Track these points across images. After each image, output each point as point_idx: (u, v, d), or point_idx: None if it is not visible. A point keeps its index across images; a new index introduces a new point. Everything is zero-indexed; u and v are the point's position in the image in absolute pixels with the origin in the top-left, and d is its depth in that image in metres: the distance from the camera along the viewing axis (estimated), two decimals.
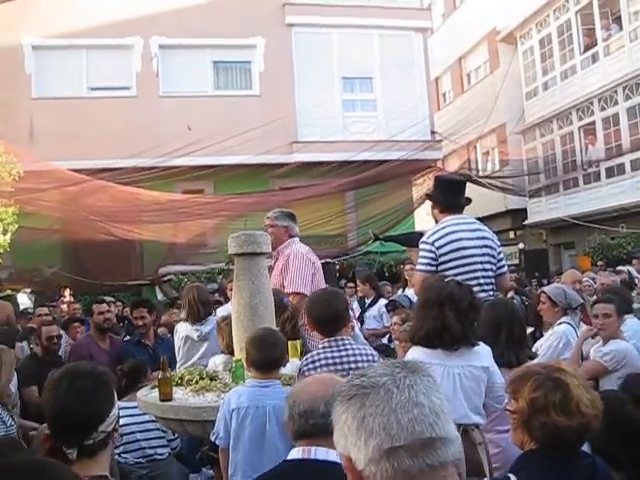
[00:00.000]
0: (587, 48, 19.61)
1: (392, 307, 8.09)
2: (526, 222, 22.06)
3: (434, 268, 4.80)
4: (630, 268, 10.75)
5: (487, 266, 4.96)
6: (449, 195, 5.19)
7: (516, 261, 19.63)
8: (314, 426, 2.55)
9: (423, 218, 22.85)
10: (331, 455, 2.45)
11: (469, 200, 5.25)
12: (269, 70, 17.34)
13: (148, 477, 5.16)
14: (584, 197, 19.44)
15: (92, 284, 13.83)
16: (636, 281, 9.28)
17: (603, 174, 18.87)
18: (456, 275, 4.49)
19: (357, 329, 6.42)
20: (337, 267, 15.34)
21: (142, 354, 6.56)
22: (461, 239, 4.89)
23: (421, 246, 4.90)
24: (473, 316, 3.65)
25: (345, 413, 1.40)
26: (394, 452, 1.32)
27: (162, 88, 16.91)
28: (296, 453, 2.62)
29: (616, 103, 18.30)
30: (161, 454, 5.39)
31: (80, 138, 15.12)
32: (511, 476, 2.44)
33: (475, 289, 4.54)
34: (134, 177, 14.11)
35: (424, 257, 4.85)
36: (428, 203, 18.16)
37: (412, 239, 5.32)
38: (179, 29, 16.52)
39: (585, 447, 2.68)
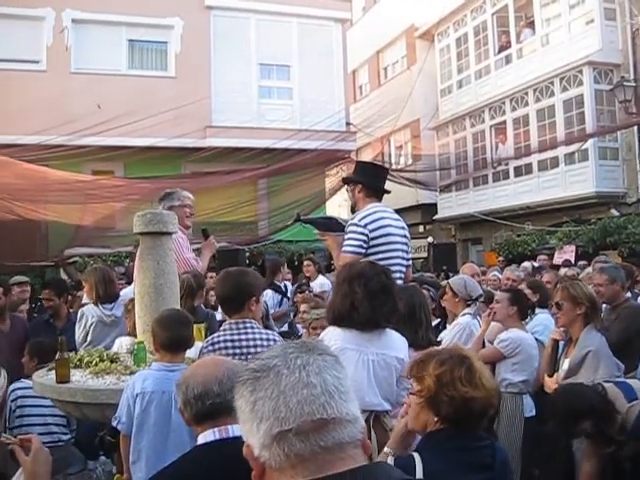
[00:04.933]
0: (502, 49, 20.10)
1: (300, 290, 8.07)
2: (436, 217, 22.44)
3: (364, 251, 4.71)
4: (532, 264, 11.10)
5: (405, 255, 4.99)
6: (375, 180, 5.16)
7: (425, 254, 19.95)
8: (212, 406, 2.54)
9: (334, 210, 23.05)
10: None
11: (388, 191, 5.26)
12: (185, 52, 17.01)
13: None
14: (492, 194, 19.92)
15: None
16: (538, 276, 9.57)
17: (512, 173, 19.37)
18: (381, 260, 4.50)
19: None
20: (247, 254, 15.25)
21: (49, 335, 6.30)
22: (390, 225, 4.88)
23: (351, 228, 4.80)
24: (384, 298, 3.56)
25: (240, 399, 1.37)
26: (283, 436, 1.29)
27: (73, 64, 16.30)
28: (211, 435, 2.54)
29: (527, 104, 18.82)
30: (64, 440, 5.24)
31: None
32: (415, 455, 2.45)
33: (396, 276, 4.57)
34: (40, 155, 13.59)
35: (355, 239, 4.73)
36: (340, 194, 18.25)
37: (330, 224, 5.23)
38: (94, 3, 16.00)
39: None
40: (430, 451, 2.51)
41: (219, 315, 6.70)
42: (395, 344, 3.64)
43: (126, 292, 7.94)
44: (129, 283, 9.51)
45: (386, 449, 2.78)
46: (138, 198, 14.52)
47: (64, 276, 14.74)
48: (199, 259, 5.91)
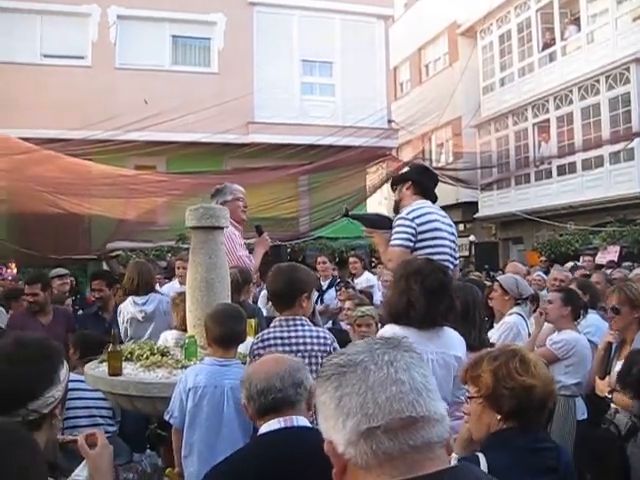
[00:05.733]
0: (545, 47, 19.86)
1: (344, 285, 8.04)
2: (476, 215, 22.26)
3: (412, 244, 4.64)
4: (579, 264, 10.93)
5: (453, 253, 4.92)
6: (428, 182, 5.11)
7: (466, 253, 19.81)
8: (274, 400, 2.61)
9: (374, 207, 22.98)
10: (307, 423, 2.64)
11: (436, 196, 5.20)
12: (228, 48, 17.08)
13: None
14: (534, 193, 19.69)
15: (38, 257, 13.44)
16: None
17: (554, 171, 19.14)
18: (429, 255, 4.44)
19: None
20: (288, 250, 15.27)
21: (98, 327, 6.35)
22: (437, 220, 4.80)
23: (399, 222, 4.72)
24: (441, 295, 3.51)
25: (324, 394, 1.35)
26: (372, 433, 1.26)
27: (118, 59, 16.49)
28: (276, 424, 2.62)
29: (571, 102, 18.56)
30: (110, 432, 5.26)
31: (31, 106, 14.66)
32: (480, 455, 2.41)
33: None
34: (85, 149, 13.76)
35: (403, 232, 4.65)
36: (380, 192, 18.16)
37: (378, 220, 5.18)
38: (138, 0, 16.14)
39: None
40: (495, 451, 2.46)
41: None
42: (453, 342, 3.59)
43: (169, 287, 8.03)
44: (169, 278, 9.60)
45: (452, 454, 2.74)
46: (180, 193, 14.63)
47: (107, 270, 14.91)
48: (252, 257, 5.87)
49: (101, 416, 5.30)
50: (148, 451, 6.09)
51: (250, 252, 6.02)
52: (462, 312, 3.96)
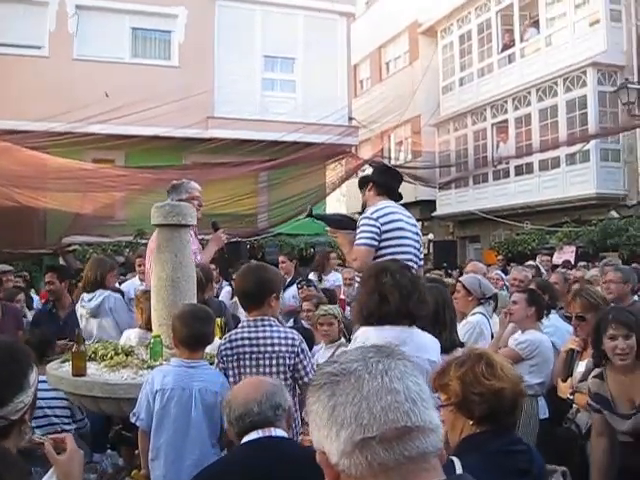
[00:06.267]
0: (505, 48, 20.08)
1: (306, 284, 8.00)
2: (434, 213, 22.43)
3: (377, 244, 4.68)
4: (538, 264, 11.07)
5: (417, 253, 4.96)
6: (391, 182, 5.15)
7: (425, 251, 19.93)
8: (252, 423, 2.71)
9: (333, 204, 23.01)
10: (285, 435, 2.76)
11: (400, 195, 5.24)
12: (189, 42, 16.88)
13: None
14: (492, 192, 19.91)
15: None
16: (544, 276, 9.53)
17: (512, 172, 19.37)
18: (393, 255, 4.48)
19: None
20: (248, 247, 15.20)
21: (51, 325, 6.24)
22: (401, 220, 4.85)
23: (363, 221, 4.77)
24: (412, 289, 3.51)
25: (316, 403, 1.32)
26: (367, 443, 1.23)
27: (76, 51, 16.17)
28: (254, 434, 2.69)
29: (529, 104, 18.81)
30: (66, 431, 5.15)
31: None
32: (454, 459, 2.41)
33: None
34: (42, 142, 13.48)
35: (368, 231, 4.70)
36: (340, 189, 18.14)
37: (342, 221, 5.21)
38: None
39: None
40: (468, 455, 2.46)
41: None
42: (427, 346, 3.58)
43: (129, 284, 7.91)
44: (124, 274, 9.47)
45: None
46: (139, 188, 14.45)
47: (63, 264, 14.67)
48: (198, 253, 5.72)
49: (55, 415, 5.19)
50: (109, 451, 6.02)
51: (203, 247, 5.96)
52: (433, 313, 3.98)
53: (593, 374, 4.10)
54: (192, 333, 3.70)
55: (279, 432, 2.72)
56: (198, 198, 5.87)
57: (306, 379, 3.75)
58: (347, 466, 1.25)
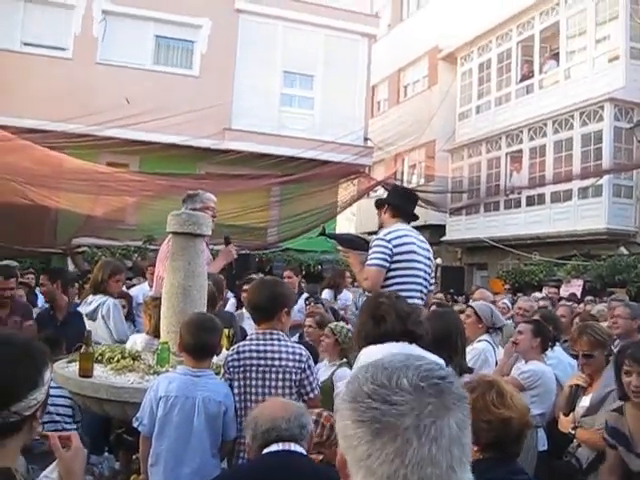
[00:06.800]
0: (524, 78, 20.15)
1: (314, 301, 7.98)
2: (443, 238, 22.41)
3: (388, 265, 4.71)
4: (545, 295, 11.07)
5: (427, 277, 4.98)
6: (406, 204, 5.19)
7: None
8: (278, 437, 2.75)
9: (342, 223, 23.05)
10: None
11: (416, 216, 5.27)
12: (211, 53, 17.03)
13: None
14: (502, 221, 19.90)
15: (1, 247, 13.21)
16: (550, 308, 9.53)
17: (524, 201, 19.37)
18: (402, 276, 4.51)
19: None
20: (256, 260, 15.23)
21: (48, 326, 6.24)
22: (414, 243, 4.88)
23: (376, 242, 4.81)
24: (409, 310, 3.55)
25: (352, 430, 1.21)
26: None
27: (100, 55, 16.34)
28: (274, 446, 2.72)
29: (544, 135, 18.84)
30: (68, 430, 5.17)
31: (8, 94, 14.41)
32: None
33: (416, 295, 4.59)
34: (60, 142, 13.58)
35: (380, 252, 4.74)
36: (350, 208, 18.14)
37: (354, 242, 5.24)
38: None
39: None
40: None
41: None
42: None
43: (138, 289, 7.95)
44: (130, 278, 9.50)
45: None
46: (151, 194, 14.53)
47: (71, 265, 14.74)
48: (206, 264, 5.69)
49: (58, 413, 5.22)
50: (106, 454, 6.02)
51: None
52: (443, 337, 4.00)
53: (612, 407, 4.05)
54: (196, 342, 3.73)
55: (299, 448, 2.76)
56: (212, 209, 5.89)
57: (312, 395, 3.78)
58: None
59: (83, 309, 6.05)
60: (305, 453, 2.82)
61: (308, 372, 3.81)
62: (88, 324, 5.95)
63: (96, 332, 5.84)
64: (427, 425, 1.17)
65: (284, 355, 3.80)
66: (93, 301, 6.00)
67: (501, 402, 2.59)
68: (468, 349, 5.64)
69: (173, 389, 3.63)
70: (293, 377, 3.75)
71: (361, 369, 1.29)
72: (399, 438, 1.16)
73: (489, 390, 2.63)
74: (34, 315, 7.15)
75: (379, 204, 5.31)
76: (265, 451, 2.75)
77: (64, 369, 4.27)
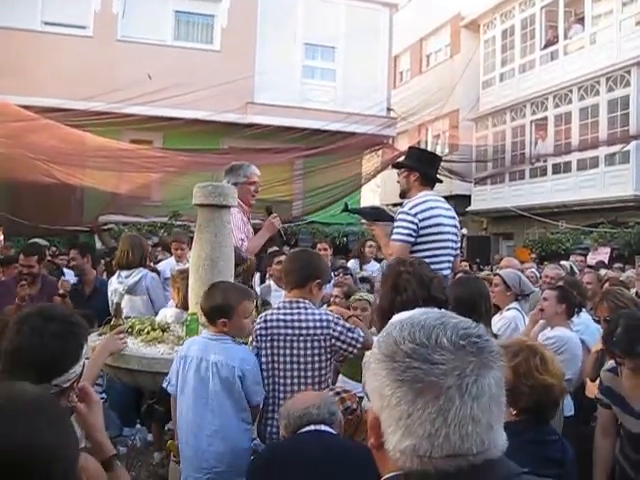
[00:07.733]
0: (548, 44, 19.86)
1: (343, 272, 7.98)
2: (468, 209, 22.28)
3: (414, 239, 4.66)
4: (571, 263, 10.95)
5: (455, 246, 4.94)
6: (430, 168, 5.09)
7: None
8: (309, 422, 2.97)
9: (367, 195, 22.96)
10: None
11: (440, 180, 5.20)
12: (232, 27, 16.97)
13: None
14: (528, 190, 19.75)
15: (28, 226, 13.35)
16: (577, 276, 9.45)
17: (549, 170, 19.20)
18: (430, 250, 4.49)
19: None
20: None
21: (77, 301, 6.27)
22: (440, 215, 4.81)
23: (401, 216, 4.73)
24: (432, 279, 3.51)
25: (390, 390, 1.20)
26: (429, 459, 1.16)
27: (120, 32, 16.33)
28: (307, 428, 2.96)
29: (570, 102, 18.60)
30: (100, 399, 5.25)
31: (30, 73, 14.49)
32: None
33: (445, 265, 4.58)
34: (83, 120, 13.63)
35: (405, 227, 4.67)
36: (374, 179, 18.03)
37: (378, 214, 5.19)
38: None
39: None
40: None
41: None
42: None
43: (165, 263, 7.99)
44: (162, 254, 9.54)
45: None
46: (175, 170, 14.57)
47: (98, 242, 14.87)
48: (245, 240, 5.50)
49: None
50: (138, 426, 6.13)
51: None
52: (467, 302, 3.99)
53: (606, 367, 4.01)
54: (207, 304, 3.77)
55: (329, 429, 2.97)
56: (256, 184, 5.76)
57: (359, 345, 3.78)
58: (399, 460, 1.20)
59: (120, 282, 6.04)
60: (335, 432, 2.99)
61: (341, 335, 3.77)
62: (124, 298, 5.99)
63: (135, 306, 5.88)
64: (469, 384, 1.17)
65: (311, 324, 3.78)
66: (132, 274, 6.01)
67: (545, 368, 2.63)
68: (497, 318, 5.65)
69: (192, 350, 3.68)
70: (322, 344, 3.74)
71: (393, 327, 1.27)
72: (442, 397, 1.16)
73: (533, 355, 2.66)
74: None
75: (399, 166, 5.22)
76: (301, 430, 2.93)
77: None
